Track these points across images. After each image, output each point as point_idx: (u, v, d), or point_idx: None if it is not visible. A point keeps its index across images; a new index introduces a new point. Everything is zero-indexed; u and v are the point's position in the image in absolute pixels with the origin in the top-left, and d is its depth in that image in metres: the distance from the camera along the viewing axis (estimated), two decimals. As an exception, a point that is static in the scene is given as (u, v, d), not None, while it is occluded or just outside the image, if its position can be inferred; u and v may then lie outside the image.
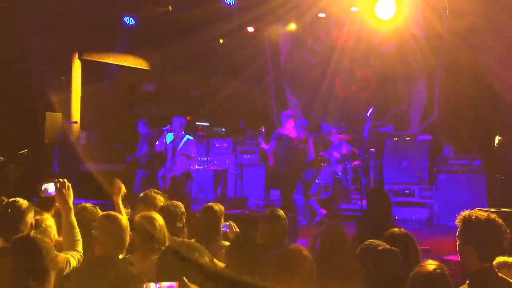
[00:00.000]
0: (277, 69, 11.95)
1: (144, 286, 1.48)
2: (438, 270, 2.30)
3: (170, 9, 9.50)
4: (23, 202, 3.06)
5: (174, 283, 1.46)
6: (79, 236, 2.92)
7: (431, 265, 2.34)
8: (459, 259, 2.69)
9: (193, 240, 3.94)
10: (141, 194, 4.26)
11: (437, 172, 8.79)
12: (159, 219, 3.19)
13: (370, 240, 2.78)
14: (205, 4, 9.66)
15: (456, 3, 8.32)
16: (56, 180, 2.99)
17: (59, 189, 2.96)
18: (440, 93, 9.82)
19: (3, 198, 4.15)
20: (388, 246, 2.69)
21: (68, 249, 2.87)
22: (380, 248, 2.67)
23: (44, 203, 3.59)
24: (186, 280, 1.49)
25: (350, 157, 9.73)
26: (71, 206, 2.98)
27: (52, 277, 2.35)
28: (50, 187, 3.27)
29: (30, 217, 3.02)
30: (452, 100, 9.65)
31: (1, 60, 8.96)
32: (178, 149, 7.91)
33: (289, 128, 8.19)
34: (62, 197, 2.96)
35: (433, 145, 9.21)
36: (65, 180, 3.01)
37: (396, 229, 3.24)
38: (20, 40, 9.25)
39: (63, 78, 9.87)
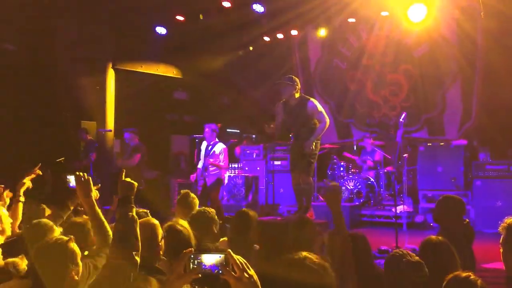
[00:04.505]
0: (307, 75, 11.92)
1: (192, 256, 1.61)
2: (472, 278, 2.19)
3: (201, 17, 9.63)
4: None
5: (221, 255, 1.60)
6: (109, 230, 2.80)
7: (466, 274, 2.25)
8: (504, 267, 2.62)
9: (222, 240, 3.99)
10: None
11: (473, 177, 8.59)
12: (185, 229, 3.20)
13: (397, 250, 2.83)
14: (235, 12, 9.75)
15: (489, 4, 8.16)
16: (77, 173, 2.92)
17: (78, 181, 2.88)
18: (477, 97, 9.58)
19: (43, 206, 4.29)
20: (416, 258, 2.66)
21: (100, 246, 2.83)
22: (405, 259, 2.67)
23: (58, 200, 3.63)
24: (232, 253, 1.59)
25: (382, 163, 9.62)
26: (93, 199, 2.87)
27: None
28: (71, 180, 3.25)
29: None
30: (487, 103, 9.43)
31: (38, 70, 9.27)
32: (208, 157, 7.99)
33: None
34: (82, 190, 2.87)
35: (469, 150, 9.01)
36: (85, 174, 2.93)
37: (433, 237, 3.18)
38: (56, 50, 9.56)
39: (97, 87, 10.13)
